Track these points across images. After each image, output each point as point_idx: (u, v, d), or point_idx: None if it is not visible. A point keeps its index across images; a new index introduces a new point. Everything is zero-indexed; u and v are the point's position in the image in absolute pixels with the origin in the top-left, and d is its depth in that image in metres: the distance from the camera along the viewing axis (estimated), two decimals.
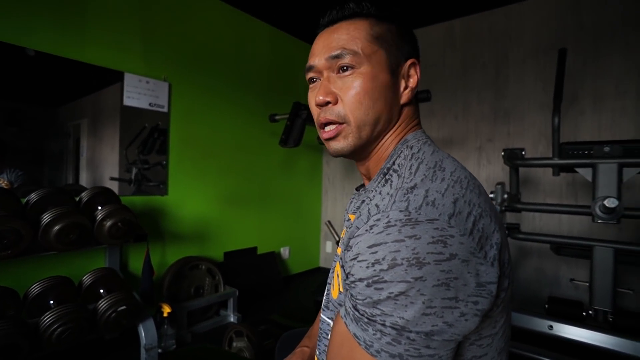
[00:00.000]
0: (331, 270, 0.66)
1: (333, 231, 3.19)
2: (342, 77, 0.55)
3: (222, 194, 2.74)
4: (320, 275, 3.53)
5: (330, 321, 0.60)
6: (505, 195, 1.90)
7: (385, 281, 0.40)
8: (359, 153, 0.59)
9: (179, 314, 2.06)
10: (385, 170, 0.55)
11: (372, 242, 0.42)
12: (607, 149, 1.55)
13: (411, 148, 0.55)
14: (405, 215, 0.42)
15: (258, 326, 2.19)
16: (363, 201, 0.58)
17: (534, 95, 2.58)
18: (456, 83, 2.93)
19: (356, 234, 0.46)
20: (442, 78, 2.97)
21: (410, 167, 0.51)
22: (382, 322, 0.41)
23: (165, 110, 2.32)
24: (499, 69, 2.72)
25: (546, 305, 1.92)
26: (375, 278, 0.41)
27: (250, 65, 2.95)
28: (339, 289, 0.56)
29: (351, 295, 0.44)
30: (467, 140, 2.88)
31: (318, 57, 0.57)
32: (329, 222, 3.29)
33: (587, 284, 1.92)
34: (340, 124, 0.55)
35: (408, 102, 0.58)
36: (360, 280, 0.42)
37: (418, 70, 0.57)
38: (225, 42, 2.73)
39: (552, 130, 1.62)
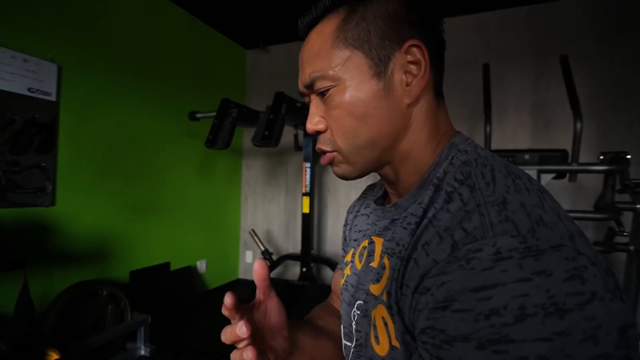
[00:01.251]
0: (357, 310, 0.52)
1: (258, 241, 2.98)
2: (324, 101, 0.46)
3: (128, 202, 2.30)
4: (241, 288, 3.26)
5: None
6: None
7: (513, 341, 0.28)
8: (371, 170, 0.49)
9: (73, 358, 1.62)
10: (433, 180, 0.44)
11: (479, 283, 0.30)
12: (527, 156, 1.71)
13: (466, 152, 0.44)
14: (520, 242, 0.31)
15: (178, 358, 1.87)
16: (394, 220, 0.48)
17: (452, 107, 2.78)
18: None
19: (430, 269, 0.34)
20: None
21: (483, 175, 0.39)
22: None
23: (52, 98, 1.83)
24: (446, 76, 2.87)
25: None
26: (494, 337, 0.29)
27: (166, 56, 2.57)
28: (390, 342, 0.41)
29: (439, 359, 0.32)
30: None
31: (300, 81, 0.49)
32: (253, 230, 3.07)
33: None
34: (333, 152, 0.48)
35: (417, 99, 0.46)
36: (465, 339, 0.30)
37: (425, 52, 0.43)
38: (134, 25, 2.31)
39: (485, 138, 1.72)
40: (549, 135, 2.55)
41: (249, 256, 3.47)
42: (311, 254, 2.60)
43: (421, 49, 0.44)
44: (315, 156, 2.79)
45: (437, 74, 0.47)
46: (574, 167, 1.62)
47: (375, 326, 0.44)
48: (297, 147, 2.77)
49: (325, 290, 2.49)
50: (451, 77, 2.75)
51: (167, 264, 2.64)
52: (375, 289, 0.46)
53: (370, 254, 0.53)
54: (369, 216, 0.61)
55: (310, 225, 2.61)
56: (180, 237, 2.76)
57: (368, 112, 0.44)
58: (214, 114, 2.14)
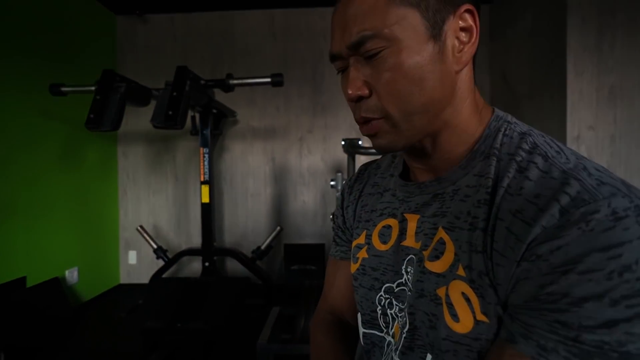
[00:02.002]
0: (385, 293, 0.50)
1: (149, 238, 2.61)
2: (371, 63, 0.42)
3: None
4: (124, 293, 2.82)
5: None
6: (344, 182, 2.07)
7: None
8: (414, 141, 0.46)
9: None
10: (491, 151, 0.44)
11: (605, 242, 0.31)
12: None
13: (516, 124, 0.46)
14: (630, 202, 0.33)
15: None
16: (437, 194, 0.47)
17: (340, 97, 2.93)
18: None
19: (538, 235, 0.34)
20: (264, 66, 2.92)
21: (549, 144, 0.42)
22: (635, 348, 0.30)
23: None
24: (317, 66, 2.93)
25: None
26: (628, 292, 0.30)
27: (10, 11, 1.94)
28: (474, 317, 0.39)
29: (561, 322, 0.32)
30: (290, 132, 2.97)
31: (338, 43, 0.44)
32: (142, 227, 2.66)
33: None
34: (380, 118, 0.44)
35: (464, 67, 0.45)
36: (594, 298, 0.31)
37: (477, 19, 0.43)
38: None
39: None
40: None
41: (132, 257, 3.01)
42: (214, 247, 2.41)
43: (474, 15, 0.43)
44: (213, 141, 2.57)
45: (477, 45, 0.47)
46: None
47: (449, 303, 0.41)
48: (194, 131, 2.50)
49: (233, 282, 2.36)
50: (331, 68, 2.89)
51: (22, 279, 2.08)
52: (437, 266, 0.44)
53: (402, 233, 0.51)
54: (382, 194, 0.58)
55: (211, 215, 2.42)
56: (40, 243, 2.20)
57: (424, 75, 0.41)
58: (90, 88, 1.74)
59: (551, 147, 0.41)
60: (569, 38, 1.98)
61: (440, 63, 0.42)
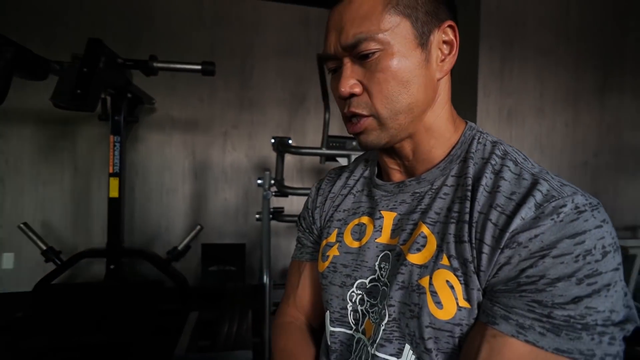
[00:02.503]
0: (357, 289, 0.52)
1: (35, 237, 2.20)
2: (364, 64, 0.47)
3: None
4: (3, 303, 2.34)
5: (394, 359, 0.45)
6: (272, 181, 2.03)
7: (600, 273, 0.36)
8: (397, 140, 0.50)
9: None
10: (467, 156, 0.49)
11: (573, 230, 0.37)
12: (354, 143, 1.99)
13: (488, 134, 0.52)
14: (586, 199, 0.39)
15: None
16: (416, 193, 0.52)
17: (274, 91, 2.88)
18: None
19: (518, 225, 0.39)
20: (188, 53, 2.70)
21: (517, 152, 0.49)
22: (595, 321, 0.35)
23: None
24: (246, 59, 2.82)
25: None
26: (588, 270, 0.36)
27: None
28: (457, 303, 0.42)
29: (538, 301, 0.37)
30: (213, 125, 2.80)
31: (332, 44, 0.48)
32: (26, 224, 2.23)
33: None
34: (368, 116, 0.48)
35: (444, 76, 0.51)
36: (565, 278, 0.36)
37: (457, 35, 0.49)
38: None
39: (324, 124, 1.88)
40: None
41: (8, 261, 2.52)
42: (122, 247, 2.15)
43: (454, 30, 0.48)
44: (127, 129, 2.29)
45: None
46: None
47: (433, 292, 0.43)
48: (104, 116, 2.19)
49: (144, 287, 2.13)
50: (274, 63, 2.84)
51: None
52: (418, 258, 0.46)
53: (378, 230, 0.53)
54: (355, 195, 0.60)
55: (120, 212, 2.15)
56: None
57: (411, 79, 0.46)
58: None
59: (519, 155, 0.48)
60: (480, 63, 2.24)
61: (426, 69, 0.47)
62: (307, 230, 0.67)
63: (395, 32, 0.45)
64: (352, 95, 0.48)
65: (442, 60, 0.49)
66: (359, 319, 0.52)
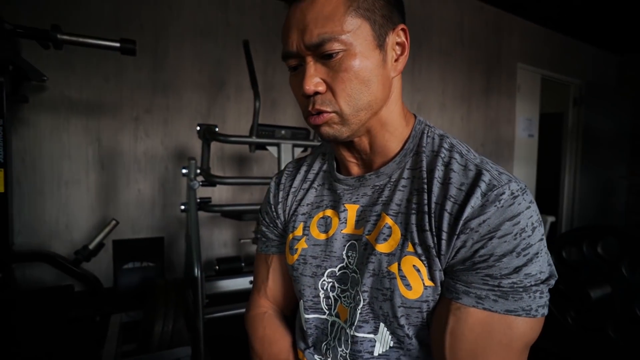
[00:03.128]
0: (328, 278, 0.58)
1: None
2: (327, 63, 0.50)
3: None
4: None
5: (372, 336, 0.52)
6: (198, 170, 1.95)
7: (531, 245, 0.45)
8: (356, 135, 0.55)
9: None
10: (419, 149, 0.55)
11: (511, 214, 0.45)
12: (283, 132, 2.02)
13: (435, 128, 0.59)
14: (517, 184, 0.48)
15: None
16: (376, 186, 0.57)
17: (191, 75, 2.71)
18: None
19: (469, 213, 0.46)
20: (88, 25, 2.36)
21: (460, 144, 0.56)
22: (530, 283, 0.45)
23: None
24: (159, 38, 2.59)
25: (217, 267, 2.21)
26: (524, 244, 0.45)
27: None
28: (423, 283, 0.49)
29: (490, 275, 0.45)
30: (122, 109, 2.52)
31: (295, 42, 0.50)
32: None
33: (251, 240, 2.41)
34: (331, 112, 0.51)
35: (401, 69, 0.57)
36: (508, 253, 0.45)
37: (408, 37, 0.55)
38: None
39: (254, 112, 1.87)
40: (274, 113, 3.04)
41: None
42: (11, 250, 1.83)
43: (406, 33, 0.54)
44: (11, 110, 1.92)
45: None
46: (315, 143, 2.09)
47: (403, 276, 0.50)
48: None
49: (48, 294, 1.85)
50: (190, 45, 2.66)
51: None
52: (385, 247, 0.52)
53: (343, 222, 0.58)
54: (316, 189, 0.64)
55: (7, 209, 1.82)
56: None
57: (371, 78, 0.50)
58: None
59: (462, 146, 0.55)
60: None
61: (383, 69, 0.52)
62: (272, 225, 0.69)
63: (357, 34, 0.48)
64: (316, 93, 0.50)
65: (396, 60, 0.54)
66: (332, 304, 0.57)
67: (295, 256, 0.61)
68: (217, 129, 1.95)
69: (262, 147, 2.03)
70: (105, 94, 2.45)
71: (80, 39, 1.46)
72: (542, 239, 0.47)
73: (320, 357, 0.58)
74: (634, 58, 4.32)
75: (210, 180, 1.94)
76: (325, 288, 0.58)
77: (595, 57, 4.16)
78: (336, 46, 0.47)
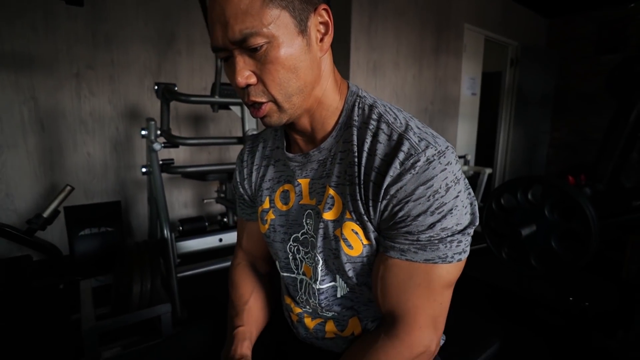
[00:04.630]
0: (293, 242, 0.66)
1: None
2: (254, 56, 0.51)
3: None
4: None
5: (333, 283, 0.63)
6: (158, 132, 1.89)
7: (445, 203, 0.50)
8: (294, 117, 0.58)
9: None
10: (351, 122, 0.58)
11: (425, 178, 0.50)
12: None
13: (365, 97, 0.60)
14: (434, 149, 0.51)
15: None
16: (320, 161, 0.61)
17: (136, 26, 2.49)
18: None
19: (389, 182, 0.51)
20: None
21: (387, 112, 0.57)
22: (446, 235, 0.51)
23: None
24: None
25: (180, 228, 2.24)
26: (437, 204, 0.50)
27: None
28: (362, 242, 0.58)
29: (409, 232, 0.52)
30: (59, 64, 2.28)
31: (220, 37, 0.50)
32: None
33: (215, 199, 2.43)
34: (267, 102, 0.53)
35: (325, 53, 0.57)
36: (422, 213, 0.50)
37: (331, 15, 0.55)
38: None
39: (216, 71, 1.82)
40: None
41: None
42: None
43: (328, 12, 0.54)
44: None
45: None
46: None
47: (345, 238, 0.58)
48: None
49: (3, 266, 1.75)
50: None
51: None
52: (330, 214, 0.59)
53: (299, 194, 0.65)
54: (274, 165, 0.69)
55: None
56: None
57: (297, 64, 0.52)
58: None
59: (390, 114, 0.57)
60: (353, 19, 2.46)
61: (309, 53, 0.53)
62: (242, 198, 0.78)
63: (277, 25, 0.49)
64: (249, 85, 0.52)
65: (321, 40, 0.54)
66: (299, 264, 0.67)
67: (267, 226, 0.69)
68: (176, 88, 1.88)
69: (225, 106, 2.00)
70: (35, 47, 2.18)
71: None
72: (457, 196, 0.51)
73: (298, 307, 0.69)
74: (561, 22, 4.70)
75: (173, 142, 1.90)
76: (292, 251, 0.67)
77: (530, 19, 4.47)
78: (259, 40, 0.48)
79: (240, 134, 2.82)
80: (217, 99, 1.87)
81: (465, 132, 3.87)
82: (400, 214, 0.51)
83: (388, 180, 0.51)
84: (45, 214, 1.83)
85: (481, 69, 3.96)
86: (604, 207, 1.81)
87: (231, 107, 1.94)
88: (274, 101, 0.53)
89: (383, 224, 0.54)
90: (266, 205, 0.69)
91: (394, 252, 0.53)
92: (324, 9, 0.53)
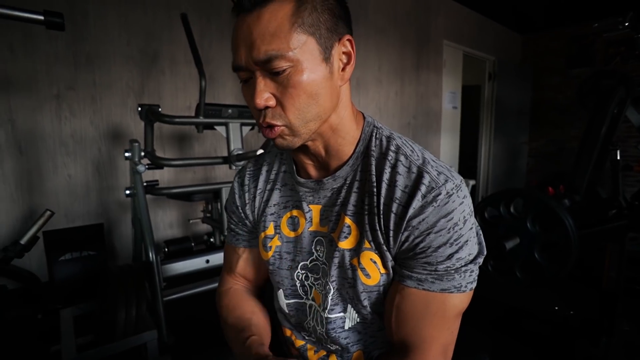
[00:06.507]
0: (302, 270, 0.65)
1: None
2: (276, 79, 0.51)
3: None
4: None
5: (342, 314, 0.62)
6: (142, 153, 1.87)
7: (462, 235, 0.53)
8: (308, 141, 0.58)
9: None
10: (369, 152, 0.59)
11: (445, 211, 0.52)
12: (230, 111, 2.00)
13: (382, 129, 0.62)
14: (453, 183, 0.53)
15: None
16: (335, 188, 0.61)
17: (118, 46, 2.48)
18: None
19: (411, 214, 0.52)
20: None
21: (405, 144, 0.58)
22: (460, 265, 0.53)
23: None
24: (74, 4, 2.29)
25: (166, 249, 2.20)
26: (456, 236, 0.52)
27: None
28: (380, 272, 0.58)
29: (428, 262, 0.53)
30: (38, 85, 2.24)
31: (244, 56, 0.50)
32: None
33: (201, 219, 2.40)
34: (281, 126, 0.53)
35: (349, 77, 0.58)
36: (443, 245, 0.52)
37: (354, 46, 0.55)
38: None
39: (200, 92, 1.82)
40: (213, 89, 2.92)
41: None
42: None
43: (352, 42, 0.55)
44: None
45: None
46: None
47: (362, 267, 0.58)
48: None
49: None
50: (114, 13, 2.40)
51: None
52: (347, 244, 0.59)
53: (309, 221, 0.64)
54: (280, 189, 0.68)
55: None
56: None
57: (319, 91, 0.52)
58: None
59: (407, 147, 0.58)
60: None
61: (330, 80, 0.53)
62: (240, 223, 0.74)
63: (303, 50, 0.49)
64: (267, 107, 0.52)
65: (343, 70, 0.55)
66: (308, 290, 0.65)
67: (270, 253, 0.67)
68: (160, 110, 1.87)
69: (210, 127, 2.00)
70: (11, 67, 2.14)
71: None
72: (472, 227, 0.54)
73: (303, 334, 0.68)
74: (534, 37, 4.91)
75: (157, 163, 1.88)
76: (300, 278, 0.65)
77: (505, 36, 4.65)
78: (283, 63, 0.48)
79: (225, 154, 2.81)
80: (201, 119, 1.87)
81: (448, 145, 3.96)
82: (422, 245, 0.52)
83: (410, 212, 0.52)
84: (23, 241, 1.76)
85: (461, 83, 4.08)
86: (582, 218, 1.87)
87: (216, 127, 1.94)
88: (289, 126, 0.53)
89: (402, 254, 0.55)
90: (270, 231, 0.67)
91: (411, 282, 0.54)
92: (348, 40, 0.54)
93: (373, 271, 0.57)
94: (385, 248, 0.55)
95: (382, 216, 0.55)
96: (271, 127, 0.53)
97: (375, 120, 0.63)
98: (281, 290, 0.68)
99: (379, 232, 0.55)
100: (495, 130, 4.66)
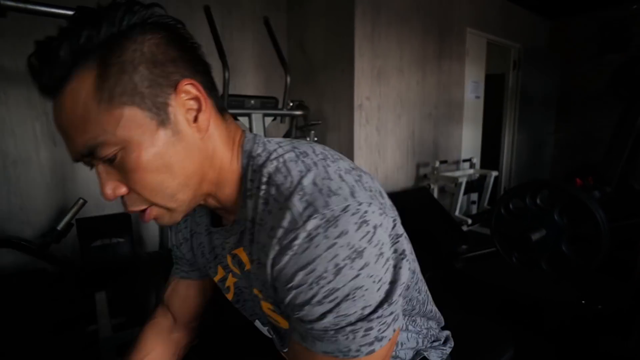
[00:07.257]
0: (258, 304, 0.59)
1: None
2: (113, 166, 0.43)
3: None
4: None
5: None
6: None
7: (337, 289, 0.39)
8: (193, 207, 0.51)
9: None
10: (248, 191, 0.48)
11: (304, 262, 0.40)
12: (253, 102, 2.03)
13: (259, 156, 0.49)
14: (321, 219, 0.39)
15: None
16: (241, 232, 0.51)
17: None
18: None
19: (270, 264, 0.43)
20: None
21: (279, 169, 0.45)
22: (345, 324, 0.40)
23: None
24: None
25: None
26: (324, 292, 0.39)
27: None
28: (283, 318, 0.54)
29: (301, 320, 0.42)
30: None
31: (71, 149, 0.44)
32: None
33: None
34: (149, 207, 0.46)
35: (208, 129, 0.47)
36: (307, 303, 0.41)
37: (199, 87, 0.45)
38: None
39: (224, 83, 1.85)
40: (234, 80, 2.94)
41: None
42: None
43: (194, 85, 0.44)
44: None
45: (213, 95, 0.49)
46: (284, 112, 2.13)
47: (269, 315, 0.56)
48: None
49: (17, 281, 1.78)
50: None
51: None
52: (257, 291, 0.55)
53: (240, 263, 0.56)
54: (210, 233, 0.61)
55: None
56: None
57: (169, 161, 0.43)
58: None
59: (281, 172, 0.44)
60: (356, 25, 2.49)
61: (180, 142, 0.44)
62: (179, 259, 0.73)
63: (125, 126, 0.40)
64: (120, 195, 0.45)
65: (196, 119, 0.45)
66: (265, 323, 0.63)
67: (231, 293, 0.63)
68: None
69: (234, 118, 2.03)
70: None
71: (29, 6, 1.33)
72: (357, 275, 0.39)
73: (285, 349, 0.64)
74: (562, 23, 4.71)
75: None
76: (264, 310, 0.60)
77: (531, 21, 4.48)
78: (108, 150, 0.41)
79: None
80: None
81: (470, 136, 3.88)
82: (287, 301, 0.42)
83: (269, 263, 0.43)
84: (60, 227, 1.86)
85: (484, 72, 3.97)
86: (614, 210, 1.81)
87: (239, 118, 1.97)
88: (156, 205, 0.46)
89: (283, 305, 0.45)
90: (221, 274, 0.62)
91: (296, 336, 0.45)
92: (189, 84, 0.44)
93: (278, 317, 0.53)
94: (273, 300, 0.50)
95: (260, 264, 0.47)
96: (139, 212, 0.47)
97: (258, 144, 0.50)
98: (257, 320, 0.66)
99: (266, 281, 0.47)
100: (520, 120, 4.52)
